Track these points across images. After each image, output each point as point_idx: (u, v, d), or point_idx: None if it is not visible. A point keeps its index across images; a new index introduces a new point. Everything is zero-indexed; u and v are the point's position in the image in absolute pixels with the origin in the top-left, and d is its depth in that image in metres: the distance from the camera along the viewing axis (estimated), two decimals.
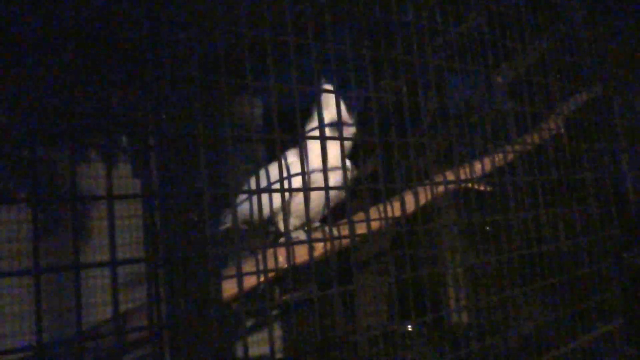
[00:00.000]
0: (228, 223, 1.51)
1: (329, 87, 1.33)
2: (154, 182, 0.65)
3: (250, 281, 1.09)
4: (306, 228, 1.37)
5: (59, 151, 2.33)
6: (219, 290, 0.79)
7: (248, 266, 1.09)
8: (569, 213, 1.53)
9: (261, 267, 1.06)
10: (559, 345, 1.49)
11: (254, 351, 2.75)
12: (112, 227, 0.63)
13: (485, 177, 1.43)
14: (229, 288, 0.99)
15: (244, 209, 1.41)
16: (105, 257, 2.36)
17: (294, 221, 1.40)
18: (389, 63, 1.13)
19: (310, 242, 0.86)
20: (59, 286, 2.30)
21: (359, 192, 1.03)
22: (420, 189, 1.29)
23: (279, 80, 0.85)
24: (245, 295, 1.01)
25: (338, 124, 0.96)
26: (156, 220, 0.65)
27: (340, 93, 1.18)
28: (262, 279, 1.07)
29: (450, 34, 1.26)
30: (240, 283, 0.93)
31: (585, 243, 1.53)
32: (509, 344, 1.43)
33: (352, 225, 0.95)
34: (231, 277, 0.94)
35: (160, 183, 0.66)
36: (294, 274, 0.92)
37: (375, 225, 1.28)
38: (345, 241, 1.23)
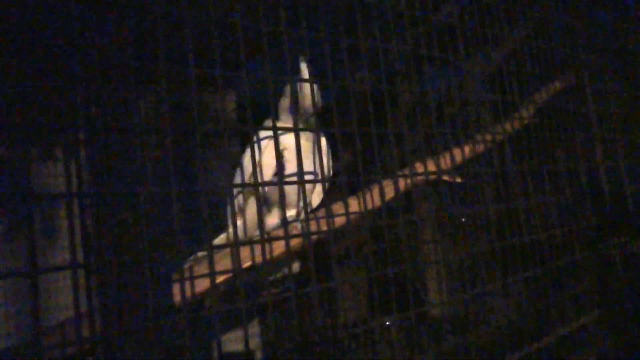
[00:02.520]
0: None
1: (304, 69, 1.27)
2: (84, 181, 0.59)
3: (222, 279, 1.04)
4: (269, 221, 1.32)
5: (21, 150, 2.24)
6: (166, 296, 0.73)
7: (220, 265, 1.04)
8: (543, 204, 1.50)
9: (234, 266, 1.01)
10: (537, 338, 1.47)
11: (231, 348, 2.70)
12: (71, 227, 0.58)
13: (457, 169, 1.39)
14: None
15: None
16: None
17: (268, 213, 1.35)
18: (365, 51, 1.08)
19: (286, 238, 0.81)
20: (18, 289, 2.22)
21: (336, 183, 0.98)
22: (389, 182, 1.24)
23: (251, 71, 0.80)
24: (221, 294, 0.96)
25: (291, 110, 0.90)
26: (87, 222, 0.59)
27: (318, 82, 1.13)
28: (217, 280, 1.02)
29: (429, 22, 1.22)
30: (212, 281, 0.88)
31: (561, 234, 1.50)
32: (485, 338, 1.40)
33: (330, 217, 0.90)
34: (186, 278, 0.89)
35: (91, 182, 0.60)
36: (268, 271, 0.87)
37: (353, 217, 1.24)
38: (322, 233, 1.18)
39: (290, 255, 1.09)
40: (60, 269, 0.54)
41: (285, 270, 1.42)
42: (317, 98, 1.30)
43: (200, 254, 1.41)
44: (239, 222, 1.36)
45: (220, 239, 1.46)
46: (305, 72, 1.26)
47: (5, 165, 2.21)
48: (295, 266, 1.52)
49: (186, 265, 1.01)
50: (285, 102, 1.31)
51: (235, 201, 1.32)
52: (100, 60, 0.60)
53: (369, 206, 1.20)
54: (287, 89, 1.31)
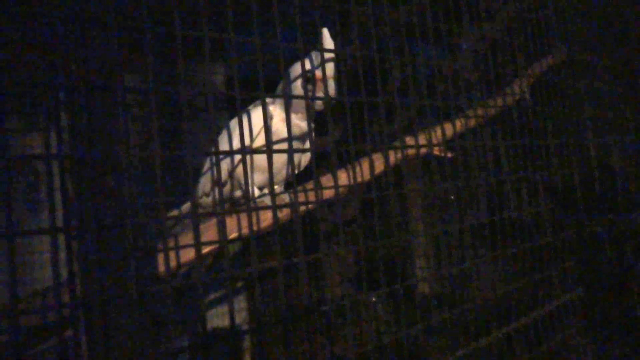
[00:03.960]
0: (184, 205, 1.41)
1: (327, 35, 1.17)
2: (64, 143, 0.57)
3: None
4: (265, 191, 1.30)
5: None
6: (149, 264, 0.72)
7: (207, 235, 1.02)
8: (532, 180, 1.49)
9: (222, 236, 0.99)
10: (521, 315, 1.48)
11: (217, 323, 2.70)
12: (50, 190, 0.56)
13: (447, 143, 1.38)
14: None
15: (208, 176, 1.32)
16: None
17: (256, 183, 1.31)
18: (357, 23, 1.05)
19: (274, 208, 0.79)
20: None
21: (325, 155, 0.96)
22: (379, 155, 1.23)
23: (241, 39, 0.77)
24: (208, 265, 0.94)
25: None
26: (67, 186, 0.57)
27: (307, 52, 1.07)
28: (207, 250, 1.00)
29: None
30: (198, 252, 0.86)
31: (548, 210, 1.50)
32: (470, 314, 1.41)
33: (319, 189, 0.89)
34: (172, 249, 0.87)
35: (71, 144, 0.58)
36: (256, 242, 0.85)
37: (343, 190, 1.22)
38: (310, 205, 1.16)
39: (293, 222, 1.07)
40: (39, 232, 0.52)
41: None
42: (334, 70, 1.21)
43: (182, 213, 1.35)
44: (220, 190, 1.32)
45: (186, 207, 1.41)
46: (328, 41, 1.16)
47: None
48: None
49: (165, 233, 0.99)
50: (295, 74, 1.22)
51: (220, 166, 1.29)
52: (80, 15, 0.57)
53: (359, 179, 1.19)
54: (294, 68, 1.22)
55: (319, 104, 1.20)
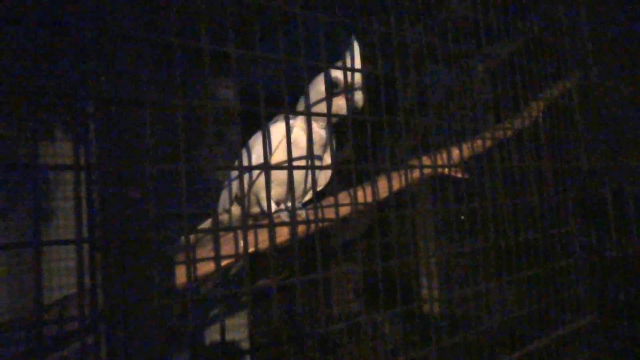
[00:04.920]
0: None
1: (357, 52, 1.17)
2: (92, 155, 0.58)
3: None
4: (281, 206, 1.30)
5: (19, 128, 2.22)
6: (169, 276, 0.72)
7: (226, 248, 1.02)
8: (543, 203, 1.49)
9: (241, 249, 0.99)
10: (533, 340, 1.46)
11: (218, 337, 2.69)
12: (78, 200, 0.56)
13: (463, 164, 1.38)
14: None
15: (227, 192, 1.33)
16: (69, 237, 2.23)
17: (272, 197, 1.31)
18: (371, 43, 1.06)
19: (293, 224, 0.79)
20: (18, 266, 2.20)
21: (343, 172, 0.96)
22: (396, 174, 1.23)
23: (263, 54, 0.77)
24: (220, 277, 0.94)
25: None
26: (94, 197, 0.57)
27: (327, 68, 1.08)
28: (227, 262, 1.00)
29: (446, 10, 1.20)
30: (218, 264, 0.87)
31: (558, 234, 1.50)
32: (481, 338, 1.39)
33: (337, 207, 0.89)
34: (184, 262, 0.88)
35: (99, 155, 0.58)
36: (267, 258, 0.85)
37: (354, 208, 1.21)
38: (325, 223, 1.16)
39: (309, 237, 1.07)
40: (66, 242, 0.52)
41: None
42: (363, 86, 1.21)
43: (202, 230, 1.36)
44: (237, 208, 1.33)
45: (206, 223, 1.42)
46: (357, 56, 1.16)
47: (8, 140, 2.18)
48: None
49: (189, 247, 0.99)
50: (316, 91, 1.22)
51: (235, 185, 1.29)
52: (112, 29, 0.58)
53: (374, 198, 1.18)
54: (319, 77, 1.23)
55: (358, 99, 1.19)
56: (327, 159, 1.29)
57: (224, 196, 1.34)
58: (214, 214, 0.97)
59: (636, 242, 1.80)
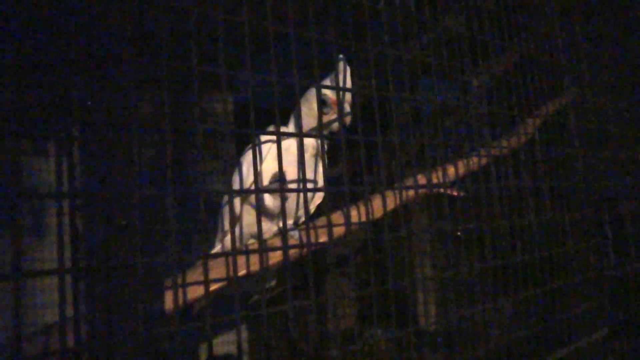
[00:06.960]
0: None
1: (346, 70, 1.20)
2: (77, 180, 0.56)
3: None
4: (274, 228, 1.28)
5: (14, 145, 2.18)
6: (158, 303, 0.70)
7: (215, 272, 1.00)
8: (545, 221, 1.47)
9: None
10: (542, 357, 1.43)
11: (217, 350, 2.65)
12: (60, 229, 0.54)
13: (459, 182, 1.37)
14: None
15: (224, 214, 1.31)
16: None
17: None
18: (363, 60, 1.05)
19: (285, 248, 0.77)
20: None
21: (337, 193, 0.94)
22: (390, 193, 1.21)
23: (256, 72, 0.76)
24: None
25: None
26: (77, 224, 0.55)
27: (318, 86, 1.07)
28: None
29: (439, 28, 1.19)
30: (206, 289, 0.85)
31: (563, 253, 1.48)
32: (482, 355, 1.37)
33: (330, 227, 0.87)
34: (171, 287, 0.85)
35: (84, 181, 0.57)
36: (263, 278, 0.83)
37: (345, 228, 1.20)
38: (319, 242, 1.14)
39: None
40: (46, 272, 0.50)
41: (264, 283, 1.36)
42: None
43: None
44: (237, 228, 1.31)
45: (217, 250, 1.40)
46: (346, 74, 1.19)
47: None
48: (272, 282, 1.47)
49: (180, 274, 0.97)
50: (308, 107, 1.24)
51: (229, 207, 1.27)
52: (99, 52, 0.56)
53: (369, 217, 1.17)
54: (310, 92, 1.24)
55: (337, 125, 1.21)
56: (320, 169, 1.27)
57: (223, 218, 1.32)
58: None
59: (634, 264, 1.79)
